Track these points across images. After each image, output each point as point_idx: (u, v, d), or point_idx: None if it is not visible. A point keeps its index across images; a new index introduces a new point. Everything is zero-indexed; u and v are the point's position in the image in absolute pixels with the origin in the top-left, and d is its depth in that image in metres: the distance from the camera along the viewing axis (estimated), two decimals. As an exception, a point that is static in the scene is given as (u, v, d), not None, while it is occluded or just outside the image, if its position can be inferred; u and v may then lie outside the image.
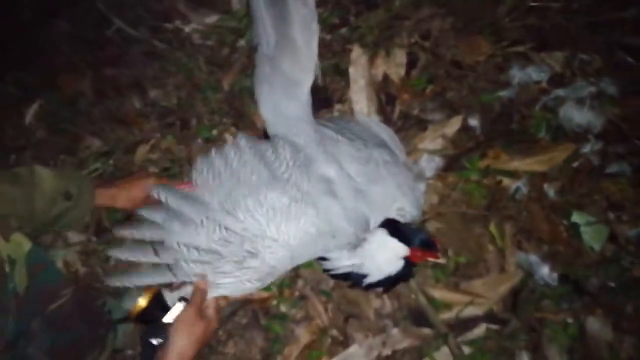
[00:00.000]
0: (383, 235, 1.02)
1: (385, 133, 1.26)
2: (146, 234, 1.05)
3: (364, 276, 1.03)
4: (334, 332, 1.15)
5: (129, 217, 1.34)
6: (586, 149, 1.25)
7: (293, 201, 1.00)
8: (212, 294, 0.99)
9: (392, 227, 1.03)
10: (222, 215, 1.00)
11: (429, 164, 1.29)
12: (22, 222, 0.97)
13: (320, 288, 1.20)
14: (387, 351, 1.10)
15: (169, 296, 1.06)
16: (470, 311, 1.13)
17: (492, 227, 1.20)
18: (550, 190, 1.22)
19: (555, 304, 1.11)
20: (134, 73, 1.61)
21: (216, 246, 0.99)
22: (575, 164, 1.24)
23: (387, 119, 1.37)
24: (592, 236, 1.13)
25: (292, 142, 1.09)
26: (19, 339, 0.91)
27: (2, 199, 0.95)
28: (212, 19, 1.61)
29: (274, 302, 1.21)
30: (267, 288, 1.20)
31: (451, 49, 1.44)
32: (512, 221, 1.21)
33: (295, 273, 1.22)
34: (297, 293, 1.21)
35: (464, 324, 1.12)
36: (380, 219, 1.05)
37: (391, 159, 1.15)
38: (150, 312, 0.99)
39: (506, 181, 1.25)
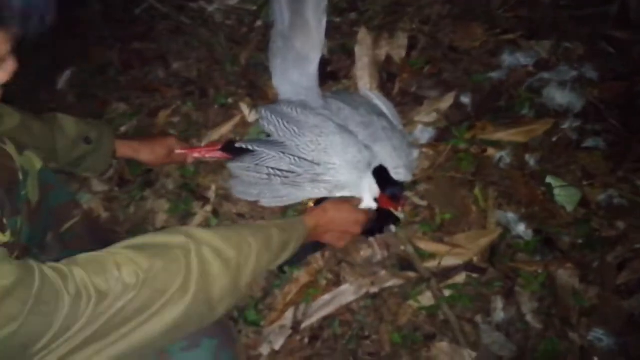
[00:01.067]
0: (366, 175, 1.21)
1: (385, 105, 1.41)
2: (247, 159, 1.29)
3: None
4: (329, 275, 1.27)
5: (149, 171, 1.49)
6: (565, 125, 1.38)
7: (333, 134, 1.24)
8: (298, 198, 1.26)
9: (380, 173, 1.20)
10: (294, 149, 1.25)
11: (423, 134, 1.43)
12: (46, 157, 1.05)
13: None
14: (374, 289, 1.22)
15: None
16: (452, 261, 1.24)
17: (477, 191, 1.33)
18: (530, 159, 1.35)
19: (528, 257, 1.22)
20: (160, 47, 1.76)
21: (296, 168, 1.24)
22: (555, 138, 1.37)
23: (387, 94, 1.50)
24: (565, 198, 1.25)
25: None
26: (33, 247, 1.00)
27: (29, 132, 1.05)
28: (232, 1, 1.77)
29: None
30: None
31: (449, 35, 1.58)
32: (495, 186, 1.33)
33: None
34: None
35: (446, 272, 1.24)
36: None
37: (389, 126, 1.30)
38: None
39: (491, 150, 1.37)
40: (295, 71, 1.36)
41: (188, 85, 1.65)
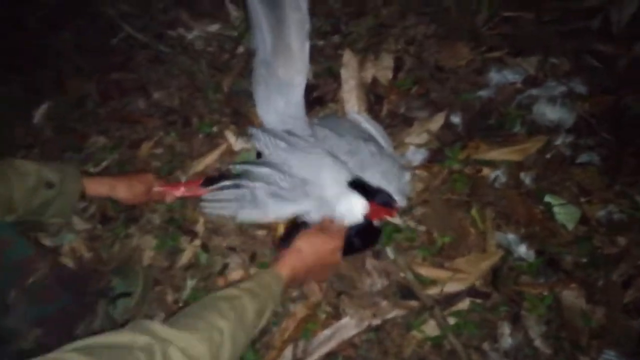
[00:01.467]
0: (349, 190, 1.15)
1: (373, 127, 1.37)
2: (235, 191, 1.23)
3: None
4: (328, 307, 1.22)
5: (133, 207, 1.43)
6: (558, 141, 1.36)
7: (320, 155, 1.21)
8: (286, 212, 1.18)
9: (359, 185, 1.16)
10: (286, 165, 1.20)
11: (415, 156, 1.40)
12: (4, 211, 0.98)
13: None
14: (377, 321, 1.17)
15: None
16: (454, 287, 1.21)
17: (474, 212, 1.29)
18: (526, 178, 1.32)
19: (532, 279, 1.19)
20: (139, 77, 1.72)
21: (284, 184, 1.18)
22: (548, 155, 1.35)
23: (375, 117, 1.47)
24: (565, 216, 1.23)
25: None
26: None
27: None
28: (213, 27, 1.74)
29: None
30: (266, 265, 1.28)
31: (434, 55, 1.57)
32: (492, 206, 1.30)
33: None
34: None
35: (448, 298, 1.20)
36: None
37: (378, 151, 1.27)
38: (287, 237, 1.16)
39: (485, 170, 1.35)
40: (279, 98, 1.31)
41: (170, 114, 1.60)
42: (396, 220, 1.17)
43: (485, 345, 1.14)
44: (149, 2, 1.85)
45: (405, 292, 1.22)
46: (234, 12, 1.76)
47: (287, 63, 1.29)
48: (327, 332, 1.17)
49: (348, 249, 1.17)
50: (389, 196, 1.16)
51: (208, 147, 1.50)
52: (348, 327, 1.17)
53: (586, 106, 1.40)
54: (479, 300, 1.19)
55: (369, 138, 1.32)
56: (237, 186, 1.24)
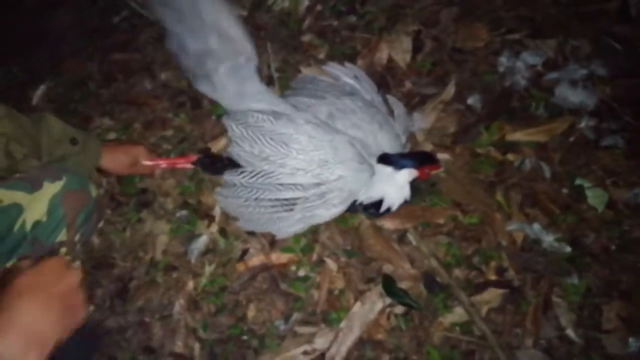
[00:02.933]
0: (388, 169, 1.18)
1: (354, 77, 1.36)
2: (245, 194, 1.20)
3: (379, 206, 1.20)
4: (350, 294, 1.19)
5: (144, 191, 1.37)
6: (581, 124, 1.34)
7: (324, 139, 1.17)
8: (311, 222, 1.17)
9: (390, 160, 1.18)
10: (291, 176, 1.16)
11: (419, 120, 1.37)
12: (29, 152, 0.98)
13: (339, 250, 1.24)
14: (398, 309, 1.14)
15: None
16: (481, 276, 1.19)
17: (499, 196, 1.27)
18: (551, 161, 1.30)
19: (563, 265, 1.17)
20: (144, 57, 1.64)
21: (300, 194, 1.16)
22: (572, 139, 1.33)
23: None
24: (595, 199, 1.21)
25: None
26: None
27: (14, 123, 0.96)
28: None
29: (293, 267, 1.24)
30: (287, 249, 1.24)
31: (452, 36, 1.53)
32: (518, 189, 1.28)
33: (313, 238, 1.26)
34: (314, 257, 1.24)
35: (476, 286, 1.17)
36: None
37: (364, 104, 1.26)
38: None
39: (510, 156, 1.32)
40: (233, 82, 1.24)
41: (179, 96, 1.54)
42: (441, 170, 1.23)
43: (517, 332, 1.12)
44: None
45: (429, 279, 1.19)
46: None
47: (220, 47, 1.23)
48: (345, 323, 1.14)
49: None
50: (425, 154, 1.22)
51: (221, 129, 1.44)
52: (361, 313, 1.14)
53: (607, 89, 1.39)
54: (506, 290, 1.16)
55: (350, 92, 1.30)
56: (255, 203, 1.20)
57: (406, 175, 1.20)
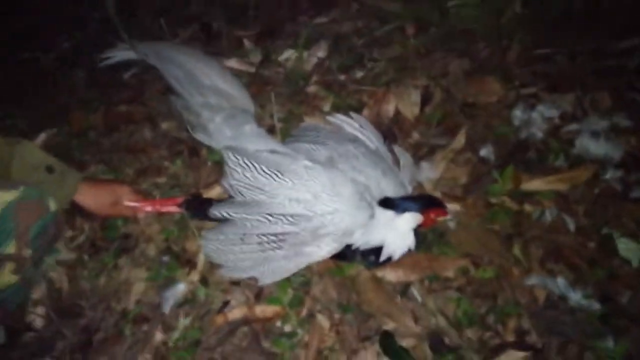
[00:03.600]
0: (389, 212, 1.07)
1: (358, 127, 1.29)
2: (231, 230, 1.10)
3: (379, 253, 1.08)
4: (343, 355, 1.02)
5: (127, 237, 1.27)
6: (607, 175, 1.21)
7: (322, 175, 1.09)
8: (300, 263, 1.06)
9: (392, 203, 1.08)
10: (282, 207, 1.07)
11: (427, 170, 1.27)
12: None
13: (333, 305, 1.08)
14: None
15: None
16: (497, 337, 1.01)
17: (516, 249, 1.12)
18: (574, 214, 1.16)
19: (593, 328, 0.99)
20: (148, 109, 1.62)
21: (290, 228, 1.06)
22: (597, 190, 1.20)
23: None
24: (628, 251, 1.05)
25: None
26: None
27: None
28: (230, 62, 1.67)
29: (278, 323, 1.08)
30: (274, 301, 1.09)
31: (462, 90, 1.47)
32: (538, 242, 1.13)
33: (305, 290, 1.11)
34: (304, 312, 1.09)
35: (490, 349, 0.99)
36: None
37: (367, 150, 1.20)
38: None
39: (528, 207, 1.19)
40: (230, 127, 1.24)
41: (177, 144, 1.49)
42: (448, 217, 1.12)
43: (542, 407, 0.91)
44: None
45: (435, 339, 1.01)
46: (251, 49, 1.71)
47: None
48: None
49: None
50: (430, 197, 1.11)
51: (217, 176, 1.35)
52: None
53: (633, 140, 1.28)
54: (527, 353, 0.98)
55: (353, 139, 1.24)
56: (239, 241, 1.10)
57: (409, 220, 1.08)
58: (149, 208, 1.23)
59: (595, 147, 1.27)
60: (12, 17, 2.20)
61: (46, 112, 1.71)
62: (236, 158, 1.13)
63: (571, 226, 1.15)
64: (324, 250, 1.06)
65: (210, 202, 1.18)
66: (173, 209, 1.24)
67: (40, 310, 1.17)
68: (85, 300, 1.18)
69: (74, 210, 1.31)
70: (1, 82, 1.91)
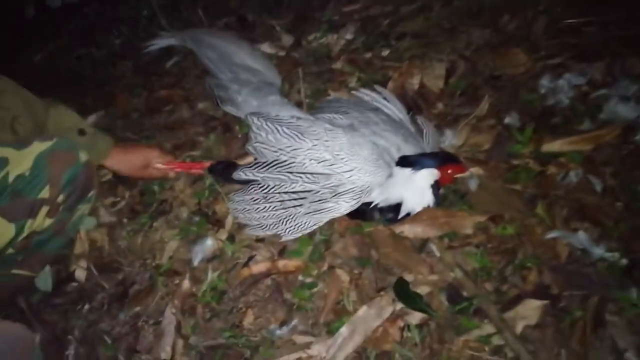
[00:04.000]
0: (406, 170, 1.09)
1: (383, 99, 1.33)
2: (255, 190, 1.16)
3: (398, 211, 1.09)
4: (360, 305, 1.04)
5: (164, 201, 1.35)
6: (637, 136, 1.19)
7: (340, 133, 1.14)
8: (321, 219, 1.10)
9: (409, 160, 1.10)
10: (302, 163, 1.12)
11: (450, 137, 1.29)
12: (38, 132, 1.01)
13: (352, 261, 1.11)
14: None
15: None
16: (516, 289, 1.00)
17: (540, 209, 1.11)
18: (601, 175, 1.14)
19: (616, 280, 0.97)
20: (186, 92, 1.72)
21: (310, 186, 1.11)
22: (625, 152, 1.17)
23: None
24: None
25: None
26: None
27: (19, 98, 1.00)
28: (263, 47, 1.74)
29: (300, 276, 1.12)
30: (296, 253, 1.13)
31: (488, 63, 1.47)
32: (563, 201, 1.12)
33: (326, 247, 1.15)
34: (325, 266, 1.12)
35: (509, 299, 0.99)
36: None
37: (388, 118, 1.23)
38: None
39: (552, 168, 1.18)
40: (256, 98, 1.33)
41: (211, 121, 1.57)
42: (467, 174, 1.12)
43: (560, 354, 0.90)
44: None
45: (453, 290, 1.02)
46: (283, 35, 1.78)
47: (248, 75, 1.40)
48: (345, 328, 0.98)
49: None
50: (447, 154, 1.13)
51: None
52: (366, 318, 0.98)
53: (666, 104, 1.24)
54: (546, 302, 0.97)
55: (375, 109, 1.28)
56: (263, 199, 1.15)
57: (426, 176, 1.10)
58: (178, 169, 1.31)
59: (626, 110, 1.25)
60: (71, 21, 2.39)
61: (96, 98, 1.84)
62: (259, 122, 1.19)
63: (598, 187, 1.13)
64: (342, 206, 1.09)
65: (235, 165, 1.23)
66: (200, 171, 1.31)
67: (83, 264, 1.26)
68: (123, 257, 1.26)
69: (116, 179, 1.42)
70: (61, 74, 2.08)
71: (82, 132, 1.09)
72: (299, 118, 1.20)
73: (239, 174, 1.17)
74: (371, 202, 1.12)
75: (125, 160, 1.21)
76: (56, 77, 2.08)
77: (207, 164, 1.29)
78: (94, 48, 2.17)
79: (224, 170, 1.25)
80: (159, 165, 1.26)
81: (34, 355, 0.90)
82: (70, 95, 1.86)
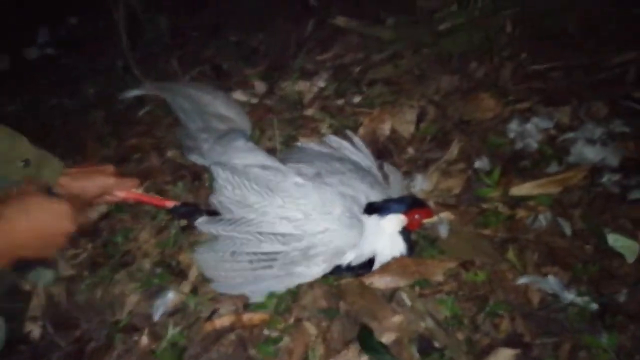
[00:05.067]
0: (374, 218, 1.06)
1: (352, 145, 1.30)
2: (222, 248, 1.11)
3: (371, 266, 1.08)
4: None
5: (127, 253, 1.30)
6: (603, 179, 1.18)
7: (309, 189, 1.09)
8: (291, 283, 1.06)
9: (376, 207, 1.07)
10: (272, 225, 1.06)
11: (420, 182, 1.28)
12: None
13: (321, 314, 1.06)
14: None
15: None
16: (488, 338, 0.96)
17: (511, 254, 1.09)
18: (570, 217, 1.13)
19: (588, 326, 0.94)
20: (157, 141, 1.70)
21: (281, 247, 1.05)
22: (593, 194, 1.17)
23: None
24: (624, 248, 1.01)
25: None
26: None
27: None
28: (236, 95, 1.75)
29: (265, 330, 1.07)
30: (261, 307, 1.08)
31: (459, 109, 1.48)
32: (533, 246, 1.10)
33: (293, 299, 1.10)
34: (292, 319, 1.07)
35: (481, 349, 0.95)
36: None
37: (354, 167, 1.19)
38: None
39: (521, 212, 1.17)
40: (222, 144, 1.25)
41: (181, 170, 1.54)
42: (434, 219, 1.09)
43: (535, 408, 0.86)
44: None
45: (424, 342, 0.98)
46: (258, 83, 1.79)
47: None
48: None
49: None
50: (413, 198, 1.09)
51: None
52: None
53: (631, 145, 1.25)
54: (518, 351, 0.93)
55: (340, 159, 1.24)
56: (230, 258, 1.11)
57: (393, 221, 1.07)
58: (139, 200, 1.23)
59: (592, 153, 1.25)
60: (47, 72, 2.40)
61: (67, 147, 1.81)
62: (225, 174, 1.13)
63: (567, 230, 1.11)
64: (314, 270, 1.05)
65: (199, 211, 1.19)
66: (162, 204, 1.23)
67: (39, 323, 1.19)
68: (81, 312, 1.20)
69: (78, 231, 1.37)
70: (32, 123, 2.05)
71: (26, 163, 1.00)
72: (266, 167, 1.16)
73: (203, 227, 1.13)
74: (341, 264, 1.08)
75: (76, 187, 1.08)
76: (28, 127, 2.06)
77: (171, 203, 1.23)
78: (67, 98, 2.16)
79: (187, 215, 1.21)
80: (120, 194, 1.17)
81: None
82: (40, 145, 1.83)
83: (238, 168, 1.15)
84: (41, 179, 1.03)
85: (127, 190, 1.17)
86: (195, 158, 1.32)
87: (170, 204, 1.21)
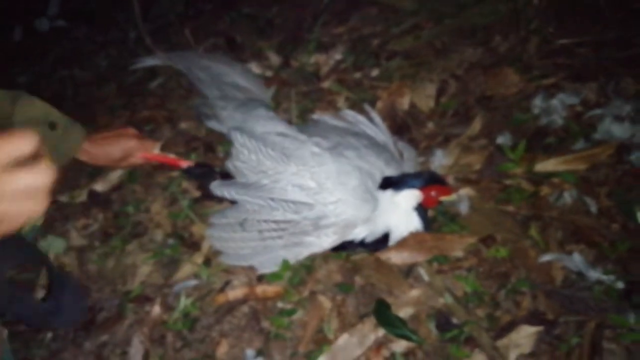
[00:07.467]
0: (388, 192, 1.03)
1: (368, 120, 1.27)
2: (233, 214, 1.10)
3: (386, 242, 1.04)
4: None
5: (138, 224, 1.28)
6: (632, 156, 1.14)
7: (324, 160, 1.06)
8: (300, 253, 1.04)
9: (392, 181, 1.04)
10: (285, 192, 1.04)
11: (440, 157, 1.24)
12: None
13: (336, 288, 1.04)
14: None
15: None
16: (509, 315, 0.93)
17: (533, 231, 1.05)
18: (596, 195, 1.09)
19: (614, 303, 0.90)
20: (169, 112, 1.67)
21: (291, 216, 1.03)
22: (621, 172, 1.12)
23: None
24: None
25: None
26: None
27: None
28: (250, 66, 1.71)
29: (279, 303, 1.05)
30: (276, 277, 1.06)
31: (479, 84, 1.43)
32: (557, 223, 1.06)
33: (307, 272, 1.08)
34: (306, 292, 1.05)
35: (501, 326, 0.92)
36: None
37: (369, 142, 1.16)
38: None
39: (545, 189, 1.12)
40: (241, 112, 1.25)
41: (194, 141, 1.51)
42: (453, 197, 1.05)
43: (557, 387, 0.83)
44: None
45: (442, 317, 0.95)
46: (273, 56, 1.75)
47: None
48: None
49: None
50: (431, 174, 1.04)
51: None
52: (346, 347, 0.90)
53: (661, 123, 1.20)
54: (540, 328, 0.90)
55: (355, 134, 1.20)
56: (240, 227, 1.09)
57: (408, 197, 1.03)
58: (157, 161, 1.23)
59: (619, 130, 1.20)
60: (58, 44, 2.37)
61: (77, 119, 1.78)
62: (243, 138, 1.12)
63: (593, 208, 1.07)
64: (324, 241, 1.02)
65: (214, 174, 1.17)
66: (179, 164, 1.24)
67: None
68: (93, 282, 1.18)
69: (90, 201, 1.36)
70: (43, 95, 2.02)
71: (52, 126, 1.01)
72: (285, 135, 1.14)
73: (217, 189, 1.11)
74: (354, 240, 1.05)
75: (101, 153, 1.12)
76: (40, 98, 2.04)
77: (186, 163, 1.22)
78: (78, 70, 2.13)
79: (201, 176, 1.19)
80: (142, 157, 1.18)
81: (3, 348, 0.81)
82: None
83: (256, 133, 1.14)
84: (68, 142, 1.03)
85: (147, 154, 1.18)
86: (213, 125, 1.31)
87: (184, 164, 1.20)
